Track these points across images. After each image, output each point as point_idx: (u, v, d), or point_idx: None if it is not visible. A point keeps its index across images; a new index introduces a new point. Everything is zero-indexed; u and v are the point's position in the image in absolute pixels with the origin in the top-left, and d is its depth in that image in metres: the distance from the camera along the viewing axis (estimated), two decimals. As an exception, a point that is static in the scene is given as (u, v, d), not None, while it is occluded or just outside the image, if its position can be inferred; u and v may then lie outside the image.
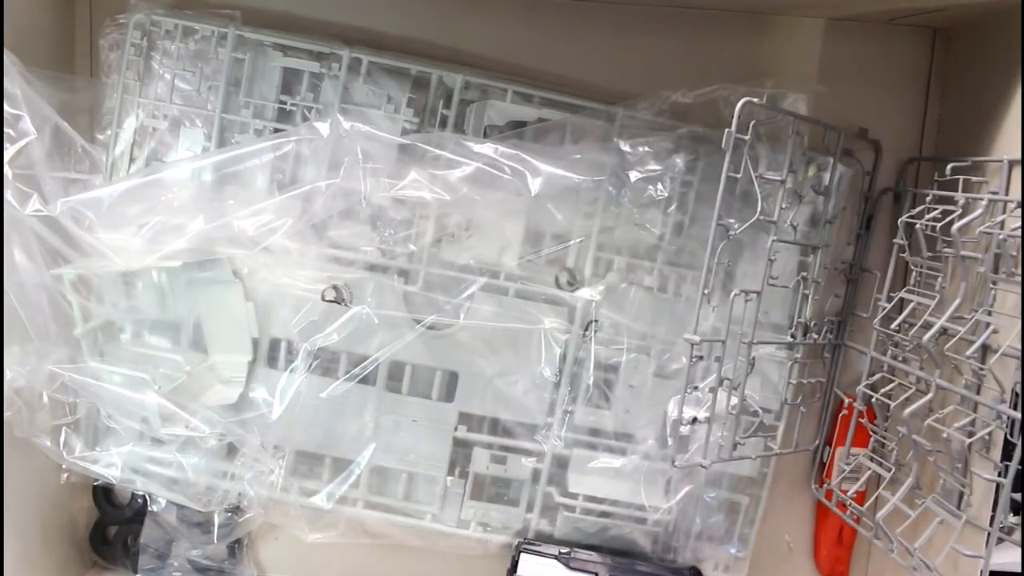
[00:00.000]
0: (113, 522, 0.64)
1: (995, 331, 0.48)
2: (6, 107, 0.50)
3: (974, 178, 0.51)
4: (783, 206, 0.52)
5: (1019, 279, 0.47)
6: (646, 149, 0.57)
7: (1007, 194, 0.49)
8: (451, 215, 0.58)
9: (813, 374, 0.60)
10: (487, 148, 0.55)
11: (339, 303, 0.56)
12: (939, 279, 0.53)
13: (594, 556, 0.60)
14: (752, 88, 0.52)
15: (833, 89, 0.58)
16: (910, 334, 0.53)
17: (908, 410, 0.49)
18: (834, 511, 0.60)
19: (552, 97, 0.58)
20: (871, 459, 0.58)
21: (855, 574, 0.65)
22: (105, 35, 0.57)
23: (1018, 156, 0.49)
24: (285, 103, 0.57)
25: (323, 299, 0.56)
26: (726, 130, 0.47)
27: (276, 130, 0.57)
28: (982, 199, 0.49)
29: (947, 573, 0.50)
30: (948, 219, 0.50)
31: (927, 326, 0.50)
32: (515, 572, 0.59)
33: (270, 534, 0.65)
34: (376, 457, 0.59)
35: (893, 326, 0.55)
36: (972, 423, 0.49)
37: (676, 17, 0.61)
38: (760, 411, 0.57)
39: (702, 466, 0.52)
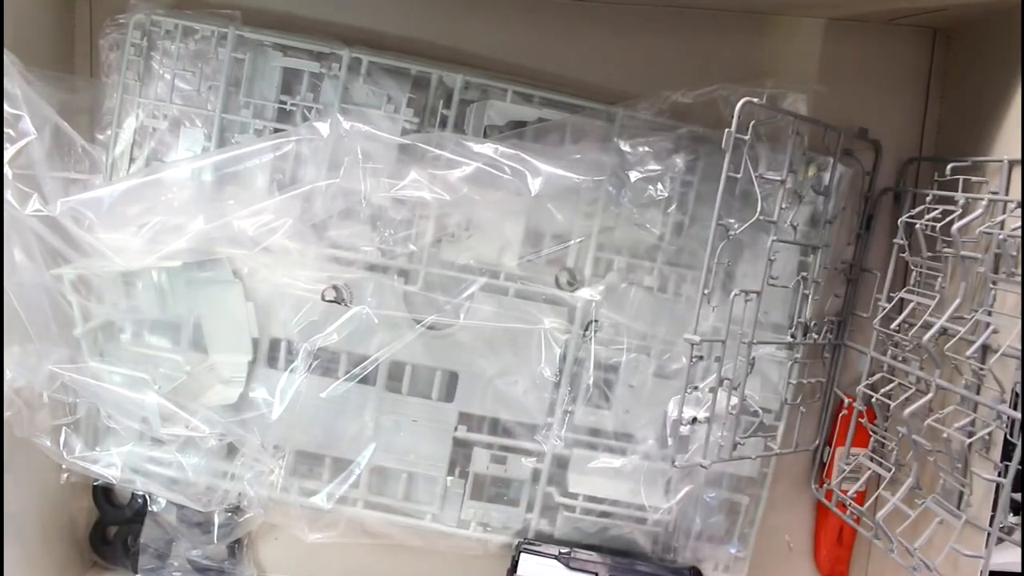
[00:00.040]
0: (113, 522, 0.64)
1: (995, 331, 0.48)
2: (6, 107, 0.50)
3: (974, 178, 0.51)
4: (783, 206, 0.52)
5: (1019, 279, 0.47)
6: (646, 149, 0.57)
7: (1007, 194, 0.49)
8: (451, 215, 0.58)
9: (813, 374, 0.60)
10: (487, 148, 0.55)
11: (339, 303, 0.56)
12: (939, 279, 0.53)
13: (594, 556, 0.59)
14: (752, 88, 0.52)
15: (833, 89, 0.58)
16: (910, 334, 0.53)
17: (908, 410, 0.49)
18: (834, 511, 0.60)
19: (552, 97, 0.58)
20: (871, 459, 0.58)
21: (855, 574, 0.65)
22: (105, 35, 0.57)
23: (1018, 156, 0.49)
24: (285, 103, 0.57)
25: (323, 299, 0.56)
26: (726, 130, 0.47)
27: (276, 130, 0.57)
28: (982, 199, 0.49)
29: (947, 573, 0.50)
30: (948, 219, 0.50)
31: (927, 326, 0.50)
32: (515, 572, 0.59)
33: (270, 534, 0.65)
34: (376, 457, 0.59)
35: (893, 326, 0.55)
36: (972, 423, 0.49)
37: (676, 17, 0.61)
38: (760, 411, 0.57)
39: (702, 466, 0.52)
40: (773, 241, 0.52)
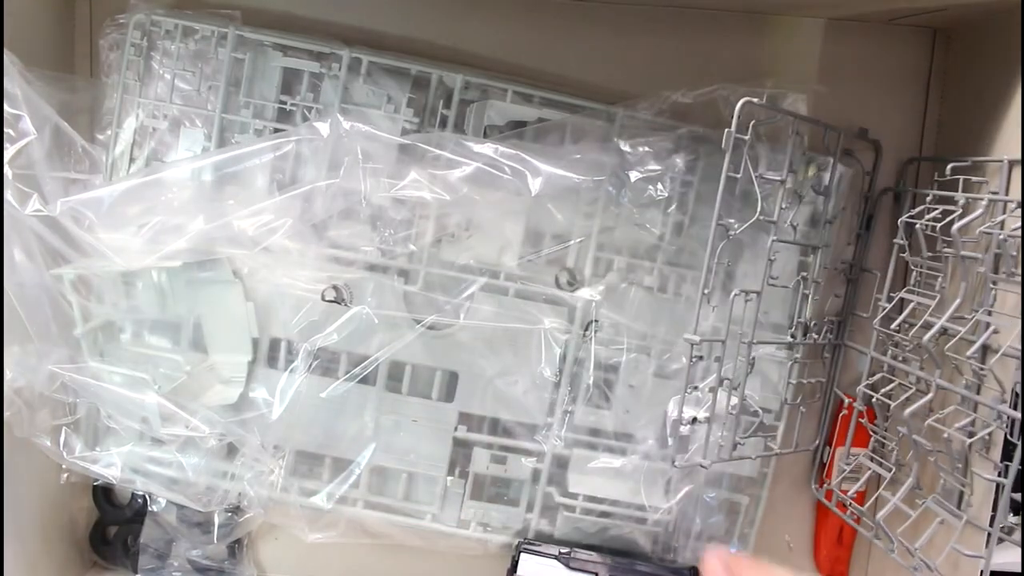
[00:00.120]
0: (113, 522, 0.64)
1: (995, 331, 0.48)
2: (6, 107, 0.50)
3: (974, 178, 0.51)
4: (783, 206, 0.52)
5: (1019, 279, 0.47)
6: (646, 149, 0.57)
7: (1007, 194, 0.49)
8: (451, 215, 0.58)
9: (813, 374, 0.60)
10: (487, 148, 0.55)
11: (339, 303, 0.56)
12: (939, 279, 0.53)
13: (594, 556, 0.59)
14: (752, 88, 0.52)
15: (833, 89, 0.58)
16: (910, 334, 0.53)
17: (908, 410, 0.49)
18: (834, 511, 0.60)
19: (552, 97, 0.58)
20: (871, 459, 0.58)
21: (855, 574, 0.65)
22: (105, 35, 0.57)
23: (1018, 156, 0.49)
24: (285, 103, 0.57)
25: (323, 299, 0.56)
26: (726, 130, 0.47)
27: (276, 130, 0.57)
28: (982, 199, 0.49)
29: (947, 573, 0.50)
30: (948, 219, 0.50)
31: (927, 326, 0.50)
32: (515, 572, 0.59)
33: (270, 534, 0.65)
34: (376, 457, 0.59)
35: (893, 326, 0.55)
36: (972, 423, 0.49)
37: (676, 17, 0.61)
38: (760, 411, 0.57)
39: (702, 466, 0.52)
40: (773, 241, 0.52)
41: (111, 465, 0.58)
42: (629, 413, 0.60)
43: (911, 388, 0.55)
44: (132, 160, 0.57)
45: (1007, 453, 0.47)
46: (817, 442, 0.62)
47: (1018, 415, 0.46)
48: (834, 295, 0.61)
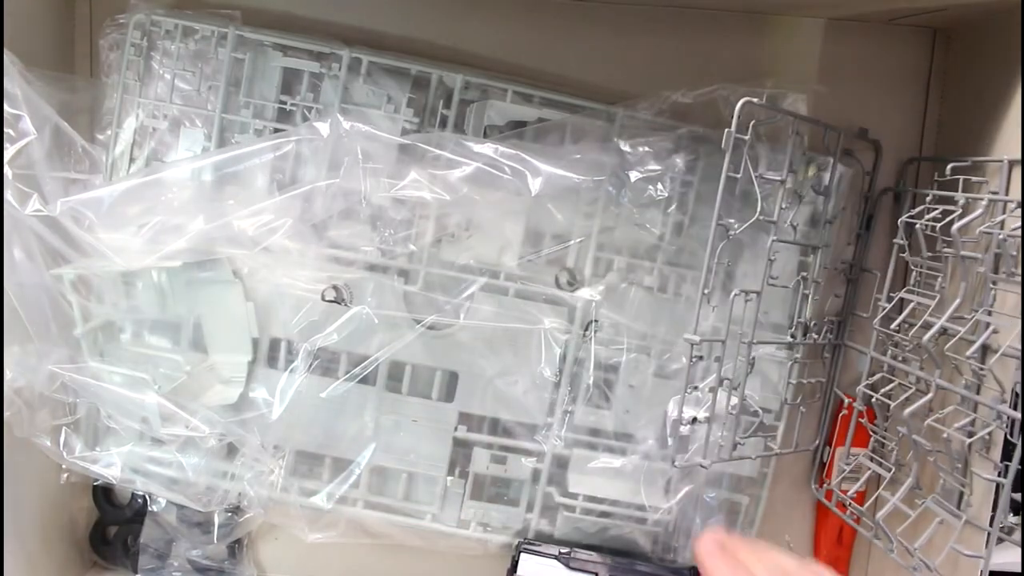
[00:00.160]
0: (113, 522, 0.64)
1: (995, 331, 0.48)
2: (6, 107, 0.50)
3: (974, 178, 0.52)
4: (783, 206, 0.52)
5: (1019, 279, 0.47)
6: (646, 149, 0.57)
7: (1007, 194, 0.49)
8: (451, 215, 0.58)
9: (813, 374, 0.60)
10: (487, 148, 0.55)
11: (339, 303, 0.56)
12: (939, 279, 0.53)
13: (594, 556, 0.59)
14: (752, 88, 0.52)
15: (833, 89, 0.58)
16: (910, 334, 0.53)
17: (908, 410, 0.49)
18: (834, 511, 0.60)
19: (552, 97, 0.58)
20: (871, 459, 0.58)
21: (855, 574, 0.65)
22: (105, 35, 0.57)
23: (1018, 156, 0.49)
24: (285, 103, 0.57)
25: (323, 299, 0.56)
26: (726, 130, 0.47)
27: (276, 130, 0.57)
28: (982, 199, 0.49)
29: (947, 573, 0.50)
30: (948, 219, 0.50)
31: (927, 326, 0.50)
32: (515, 572, 0.59)
33: (270, 534, 0.65)
34: (376, 457, 0.59)
35: (893, 326, 0.55)
36: (972, 423, 0.49)
37: (676, 17, 0.61)
38: (760, 411, 0.57)
39: (702, 466, 0.52)
40: (773, 241, 0.52)
41: (111, 465, 0.58)
42: (629, 413, 0.60)
43: (911, 388, 0.55)
44: (132, 160, 0.57)
45: (1007, 453, 0.47)
46: (817, 442, 0.62)
47: (1018, 415, 0.46)
48: (834, 295, 0.61)
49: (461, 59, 0.60)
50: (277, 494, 0.60)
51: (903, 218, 0.55)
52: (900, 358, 0.56)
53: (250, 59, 0.57)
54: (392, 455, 0.60)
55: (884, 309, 0.57)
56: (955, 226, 0.48)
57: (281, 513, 0.61)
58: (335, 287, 0.56)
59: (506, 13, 0.60)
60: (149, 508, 0.62)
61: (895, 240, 0.56)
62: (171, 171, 0.55)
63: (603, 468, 0.60)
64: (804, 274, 0.57)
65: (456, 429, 0.60)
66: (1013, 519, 0.48)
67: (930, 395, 0.49)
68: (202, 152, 0.57)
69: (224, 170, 0.55)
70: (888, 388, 0.56)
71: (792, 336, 0.58)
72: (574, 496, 0.60)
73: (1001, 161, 0.50)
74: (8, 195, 0.51)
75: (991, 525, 0.48)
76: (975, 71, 0.57)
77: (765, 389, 0.59)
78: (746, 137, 0.48)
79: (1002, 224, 0.47)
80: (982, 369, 0.49)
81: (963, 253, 0.48)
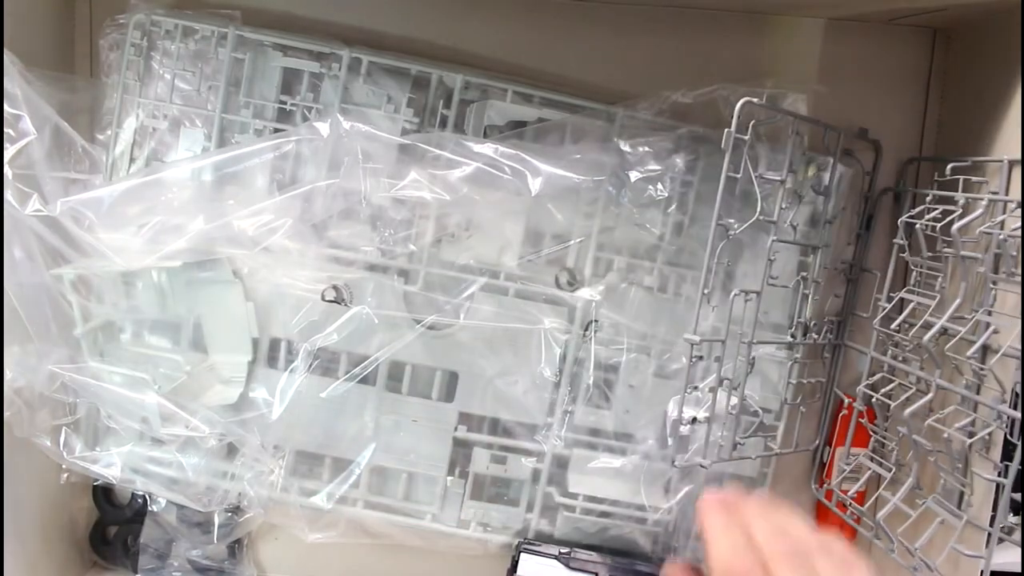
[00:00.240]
0: (113, 522, 0.64)
1: (995, 331, 0.48)
2: (6, 107, 0.50)
3: (974, 178, 0.52)
4: (783, 206, 0.52)
5: (1019, 279, 0.47)
6: (646, 149, 0.57)
7: (1007, 194, 0.49)
8: (451, 215, 0.58)
9: (813, 374, 0.60)
10: (487, 148, 0.55)
11: (339, 303, 0.56)
12: (939, 279, 0.53)
13: (594, 556, 0.59)
14: (752, 88, 0.52)
15: (833, 89, 0.58)
16: (910, 334, 0.53)
17: (908, 410, 0.49)
18: (834, 511, 0.60)
19: (552, 97, 0.58)
20: (871, 459, 0.58)
21: (855, 574, 0.65)
22: (105, 35, 0.57)
23: (1018, 156, 0.49)
24: (285, 103, 0.57)
25: (323, 299, 0.56)
26: (726, 130, 0.48)
27: (276, 130, 0.57)
28: (982, 199, 0.49)
29: (948, 573, 0.50)
30: (948, 219, 0.50)
31: (927, 326, 0.50)
32: (515, 572, 0.59)
33: (270, 534, 0.65)
34: (376, 457, 0.59)
35: (893, 326, 0.55)
36: (972, 423, 0.49)
37: (676, 17, 0.61)
38: (760, 411, 0.57)
39: (702, 466, 0.52)
40: (773, 241, 0.52)
41: (111, 465, 0.58)
42: (629, 413, 0.60)
43: (911, 388, 0.55)
44: (132, 160, 0.57)
45: (1007, 453, 0.47)
46: (817, 442, 0.62)
47: (1018, 415, 0.46)
48: (834, 295, 0.61)
49: (461, 59, 0.60)
50: (277, 494, 0.60)
51: (903, 218, 0.55)
52: (900, 358, 0.56)
53: (250, 59, 0.57)
54: (392, 455, 0.60)
55: (884, 309, 0.57)
56: (955, 226, 0.48)
57: (281, 513, 0.61)
58: (335, 287, 0.56)
59: (506, 13, 0.60)
60: (149, 508, 0.62)
61: (895, 240, 0.56)
62: (171, 171, 0.55)
63: (603, 468, 0.60)
64: (804, 274, 0.57)
65: (456, 429, 0.60)
66: (1013, 519, 0.48)
67: (930, 395, 0.49)
68: (202, 152, 0.57)
69: (224, 170, 0.55)
70: (888, 388, 0.56)
71: (792, 336, 0.58)
72: (574, 496, 0.60)
73: (1001, 161, 0.50)
74: (8, 195, 0.51)
75: (992, 525, 0.48)
76: (975, 71, 0.57)
77: (765, 389, 0.59)
78: (746, 137, 0.48)
79: (1002, 224, 0.47)
80: (982, 369, 0.49)
81: (963, 253, 0.48)
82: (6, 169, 0.50)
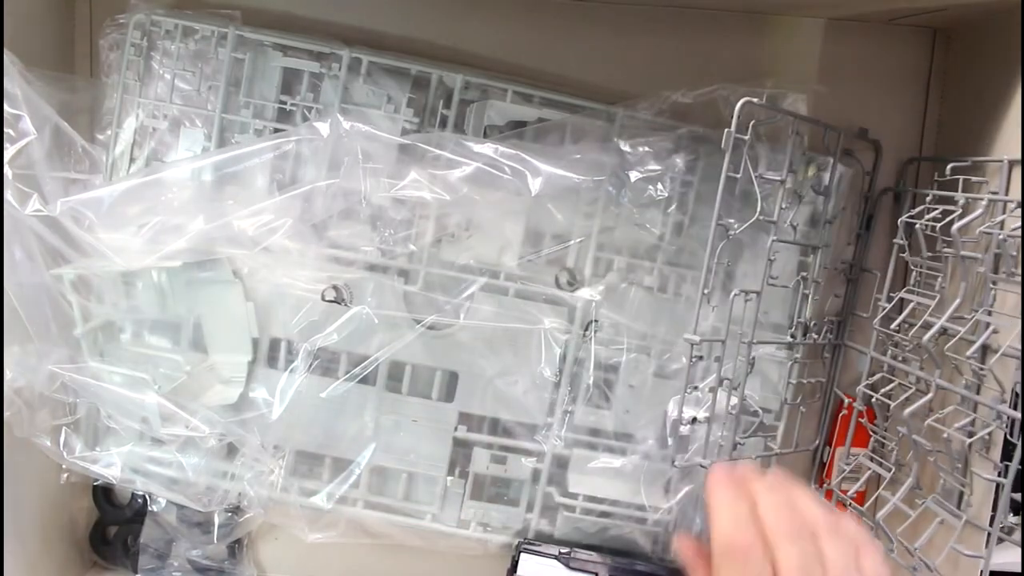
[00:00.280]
0: (113, 522, 0.64)
1: (995, 331, 0.48)
2: (6, 107, 0.50)
3: (974, 178, 0.52)
4: (783, 206, 0.52)
5: (1019, 279, 0.47)
6: (646, 149, 0.57)
7: (1007, 194, 0.49)
8: (451, 215, 0.58)
9: (813, 374, 0.60)
10: (487, 148, 0.55)
11: (339, 303, 0.56)
12: (939, 279, 0.53)
13: (594, 556, 0.59)
14: (752, 88, 0.52)
15: (833, 89, 0.58)
16: (910, 334, 0.53)
17: (908, 410, 0.49)
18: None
19: (552, 97, 0.58)
20: (871, 459, 0.58)
21: (855, 574, 0.65)
22: (105, 35, 0.57)
23: (1018, 156, 0.49)
24: (285, 103, 0.57)
25: (323, 299, 0.56)
26: (726, 130, 0.48)
27: (276, 130, 0.57)
28: (982, 199, 0.49)
29: (947, 573, 0.50)
30: (948, 219, 0.50)
31: (927, 326, 0.50)
32: (515, 572, 0.59)
33: (270, 534, 0.65)
34: (376, 457, 0.59)
35: (893, 326, 0.55)
36: (972, 423, 0.49)
37: (676, 17, 0.61)
38: (760, 411, 0.57)
39: (702, 466, 0.52)
40: (773, 241, 0.52)
41: (111, 465, 0.58)
42: (629, 413, 0.60)
43: (911, 388, 0.55)
44: (132, 160, 0.57)
45: (1007, 453, 0.47)
46: (817, 442, 0.62)
47: (1018, 415, 0.46)
48: (834, 295, 0.61)
49: (461, 59, 0.60)
50: (277, 494, 0.60)
51: (903, 218, 0.55)
52: (900, 358, 0.56)
53: (250, 59, 0.57)
54: (392, 455, 0.60)
55: (884, 309, 0.57)
56: (955, 226, 0.48)
57: (281, 513, 0.61)
58: (335, 287, 0.56)
59: (506, 13, 0.60)
60: (149, 508, 0.62)
61: (895, 240, 0.56)
62: (171, 171, 0.55)
63: (603, 468, 0.60)
64: (804, 274, 0.57)
65: (456, 429, 0.60)
66: (1013, 519, 0.48)
67: (930, 395, 0.49)
68: (202, 152, 0.57)
69: (224, 170, 0.55)
70: (888, 388, 0.56)
71: (792, 336, 0.58)
72: (574, 496, 0.60)
73: (1001, 161, 0.50)
74: (8, 195, 0.51)
75: (991, 525, 0.48)
76: (975, 71, 0.57)
77: (765, 389, 0.59)
78: (746, 137, 0.48)
79: (1002, 224, 0.47)
80: (982, 369, 0.49)
81: (963, 253, 0.48)
82: (6, 169, 0.50)
